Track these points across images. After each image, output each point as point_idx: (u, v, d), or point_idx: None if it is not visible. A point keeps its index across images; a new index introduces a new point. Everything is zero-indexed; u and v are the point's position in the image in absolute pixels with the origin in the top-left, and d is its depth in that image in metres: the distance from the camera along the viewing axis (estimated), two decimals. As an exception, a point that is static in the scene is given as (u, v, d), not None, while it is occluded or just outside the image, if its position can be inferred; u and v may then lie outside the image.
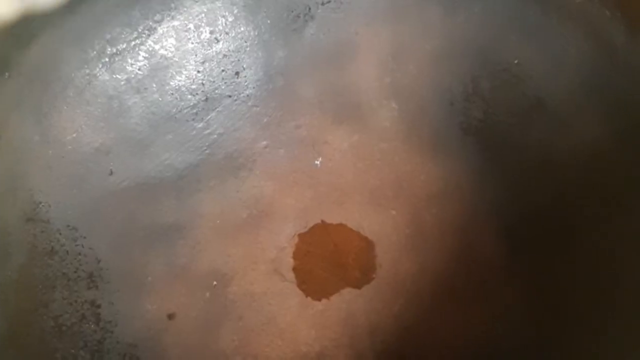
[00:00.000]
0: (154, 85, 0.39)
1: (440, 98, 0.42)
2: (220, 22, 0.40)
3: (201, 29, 0.40)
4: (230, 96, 0.41)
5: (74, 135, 0.36)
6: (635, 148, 0.37)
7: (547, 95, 0.39)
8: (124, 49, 0.38)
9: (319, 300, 0.39)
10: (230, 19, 0.41)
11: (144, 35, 0.38)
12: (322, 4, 0.42)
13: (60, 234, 0.34)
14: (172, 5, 0.39)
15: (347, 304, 0.39)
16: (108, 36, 0.37)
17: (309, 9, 0.41)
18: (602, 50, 0.38)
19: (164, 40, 0.39)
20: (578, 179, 0.38)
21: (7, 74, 0.33)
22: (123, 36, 0.38)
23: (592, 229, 0.37)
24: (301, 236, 0.40)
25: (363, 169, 0.42)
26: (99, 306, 0.34)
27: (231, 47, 0.40)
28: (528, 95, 0.40)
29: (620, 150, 0.37)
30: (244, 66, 0.41)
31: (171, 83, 0.39)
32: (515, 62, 0.40)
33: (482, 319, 0.37)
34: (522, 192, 0.39)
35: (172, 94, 0.39)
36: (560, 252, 0.37)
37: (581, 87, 0.38)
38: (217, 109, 0.40)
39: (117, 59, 0.37)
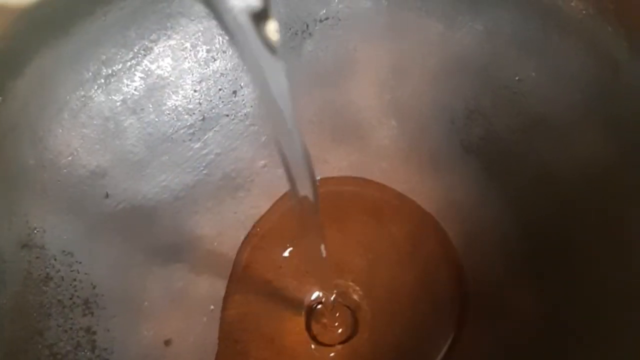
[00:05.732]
0: (150, 106, 0.38)
1: (441, 116, 0.41)
2: (217, 41, 0.40)
3: (198, 48, 0.39)
4: (227, 115, 0.40)
5: (70, 158, 0.35)
6: (637, 164, 0.37)
7: (548, 112, 0.39)
8: (120, 69, 0.37)
9: (318, 320, 0.39)
10: (227, 37, 0.40)
11: (139, 56, 0.38)
12: (320, 20, 0.41)
13: (55, 259, 0.33)
14: (168, 24, 0.38)
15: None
16: (103, 57, 0.36)
17: (307, 26, 0.41)
18: (604, 67, 0.37)
19: (160, 60, 0.38)
20: (580, 195, 0.37)
21: (0, 98, 0.32)
22: (119, 57, 0.37)
23: (594, 245, 0.36)
24: (300, 257, 0.40)
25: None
26: (94, 333, 0.33)
27: (228, 66, 0.40)
28: (529, 112, 0.39)
29: (622, 166, 0.37)
30: (242, 84, 0.41)
31: (168, 103, 0.39)
32: (517, 78, 0.40)
33: (486, 332, 0.37)
34: (524, 209, 0.39)
35: (169, 114, 0.39)
36: (562, 268, 0.37)
37: (583, 103, 0.38)
38: (215, 129, 0.40)
39: (112, 79, 0.37)
